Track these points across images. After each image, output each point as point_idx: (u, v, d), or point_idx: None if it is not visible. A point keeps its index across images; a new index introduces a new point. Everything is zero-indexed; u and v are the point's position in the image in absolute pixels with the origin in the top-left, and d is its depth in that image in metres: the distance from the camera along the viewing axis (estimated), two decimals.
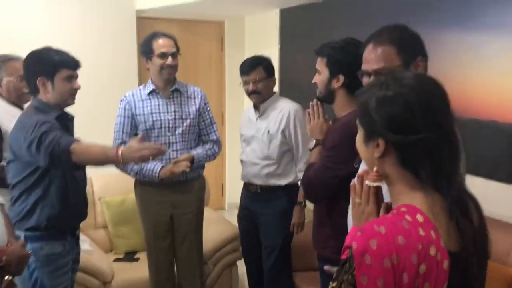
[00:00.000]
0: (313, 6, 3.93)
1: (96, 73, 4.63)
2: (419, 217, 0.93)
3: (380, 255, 0.88)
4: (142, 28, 4.84)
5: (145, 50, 2.65)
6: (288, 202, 2.59)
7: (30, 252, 1.77)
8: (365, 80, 1.54)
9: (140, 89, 2.74)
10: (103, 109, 4.66)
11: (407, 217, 0.93)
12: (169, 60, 2.61)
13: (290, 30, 4.35)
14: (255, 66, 2.59)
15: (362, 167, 1.65)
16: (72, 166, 1.91)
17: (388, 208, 1.04)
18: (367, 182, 1.05)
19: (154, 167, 2.55)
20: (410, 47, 1.48)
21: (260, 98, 2.62)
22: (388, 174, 1.01)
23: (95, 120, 4.62)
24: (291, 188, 2.60)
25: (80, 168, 2.04)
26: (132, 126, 2.71)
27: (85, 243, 2.92)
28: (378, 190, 1.07)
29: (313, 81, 2.04)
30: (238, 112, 5.33)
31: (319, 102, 1.99)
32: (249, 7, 4.57)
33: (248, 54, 5.17)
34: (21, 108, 2.34)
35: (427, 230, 0.91)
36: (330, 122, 2.02)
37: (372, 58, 1.50)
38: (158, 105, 2.66)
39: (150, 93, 2.68)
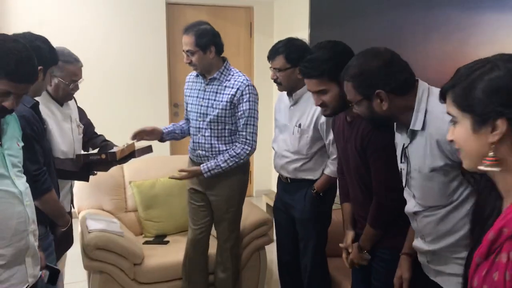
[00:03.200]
0: None
1: (127, 60, 4.68)
2: None
3: None
4: (172, 14, 4.86)
5: None
6: (318, 193, 2.47)
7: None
8: None
9: None
10: (133, 95, 4.72)
11: None
12: (185, 57, 2.60)
13: (320, 15, 4.27)
14: (275, 54, 2.42)
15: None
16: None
17: None
18: (481, 168, 0.98)
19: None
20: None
21: (282, 88, 2.49)
22: (505, 160, 0.96)
23: (125, 107, 4.69)
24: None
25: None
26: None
27: (115, 225, 2.97)
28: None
29: (316, 104, 2.01)
30: (267, 98, 5.31)
31: None
32: None
33: (277, 39, 5.13)
34: (60, 104, 2.40)
35: None
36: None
37: None
38: (198, 90, 2.68)
39: (197, 75, 2.71)
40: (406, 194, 1.72)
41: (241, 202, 2.81)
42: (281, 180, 2.63)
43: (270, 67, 2.47)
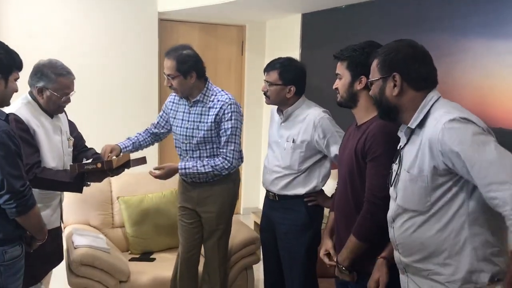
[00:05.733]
0: (336, 11, 3.91)
1: (119, 75, 4.67)
2: None
3: None
4: (164, 30, 4.88)
5: None
6: (307, 212, 2.48)
7: None
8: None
9: None
10: (124, 110, 4.71)
11: None
12: (166, 80, 2.62)
13: (312, 35, 4.33)
14: (271, 68, 2.48)
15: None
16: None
17: None
18: None
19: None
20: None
21: (269, 101, 2.53)
22: None
23: (115, 121, 4.66)
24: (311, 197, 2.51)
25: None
26: (165, 121, 2.86)
27: (101, 241, 2.93)
28: None
29: (334, 86, 2.02)
30: (257, 116, 5.34)
31: None
32: (270, 12, 4.57)
33: (268, 58, 5.17)
34: (51, 115, 2.37)
35: None
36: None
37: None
38: (183, 112, 2.71)
39: (182, 97, 2.72)
40: (390, 195, 1.73)
41: (231, 218, 2.81)
42: (268, 198, 2.63)
43: (264, 79, 2.52)
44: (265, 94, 2.51)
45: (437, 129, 1.50)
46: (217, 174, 2.63)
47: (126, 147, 2.77)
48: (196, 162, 2.62)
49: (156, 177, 2.63)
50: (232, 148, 2.62)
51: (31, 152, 2.21)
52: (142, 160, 2.67)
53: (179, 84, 2.57)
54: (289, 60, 2.50)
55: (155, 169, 2.64)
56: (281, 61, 2.48)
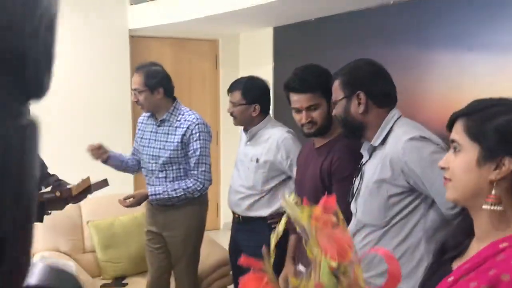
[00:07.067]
0: (306, 24, 3.91)
1: (90, 93, 4.60)
2: None
3: None
4: (136, 47, 4.82)
5: None
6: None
7: None
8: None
9: None
10: (95, 128, 4.63)
11: None
12: (133, 95, 2.63)
13: (284, 48, 4.32)
14: (233, 89, 2.48)
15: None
16: None
17: None
18: (484, 207, 0.97)
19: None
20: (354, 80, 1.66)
21: (236, 122, 2.53)
22: (503, 199, 0.96)
23: (87, 141, 4.58)
24: (275, 219, 2.48)
25: None
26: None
27: (71, 268, 2.84)
28: None
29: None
30: (233, 131, 5.27)
31: None
32: (243, 25, 4.55)
33: (242, 71, 5.16)
34: None
35: None
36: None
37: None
38: (150, 132, 2.68)
39: (150, 116, 2.70)
40: (351, 209, 1.71)
41: (199, 242, 2.74)
42: (234, 219, 2.59)
43: (229, 100, 2.51)
44: (231, 115, 2.50)
45: (397, 148, 1.52)
46: (189, 196, 2.58)
47: (114, 157, 2.73)
48: (167, 186, 2.57)
49: (128, 206, 2.58)
50: (203, 169, 2.59)
51: None
52: (104, 183, 2.60)
53: (145, 99, 2.57)
54: (251, 79, 2.51)
55: (126, 198, 2.57)
56: (243, 80, 2.50)
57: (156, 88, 2.55)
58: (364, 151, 1.70)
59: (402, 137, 1.53)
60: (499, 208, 0.95)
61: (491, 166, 0.96)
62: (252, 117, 2.45)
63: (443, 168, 1.05)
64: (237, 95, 2.45)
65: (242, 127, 2.60)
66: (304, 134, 2.02)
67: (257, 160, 2.42)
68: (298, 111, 1.97)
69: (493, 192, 0.96)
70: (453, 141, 1.04)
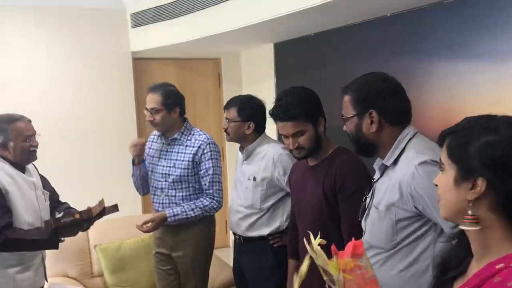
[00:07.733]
0: (306, 39, 3.92)
1: (94, 116, 4.63)
2: None
3: None
4: (139, 69, 4.87)
5: None
6: (273, 253, 2.42)
7: None
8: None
9: None
10: (102, 151, 4.65)
11: None
12: (148, 115, 2.62)
13: (285, 63, 4.34)
14: (230, 106, 2.51)
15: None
16: None
17: None
18: (461, 227, 0.97)
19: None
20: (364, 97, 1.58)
21: (229, 138, 2.55)
22: (483, 219, 0.95)
23: (93, 164, 4.60)
24: (276, 238, 2.45)
25: None
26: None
27: None
28: None
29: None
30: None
31: None
32: (243, 43, 4.58)
33: (245, 88, 5.18)
34: (23, 170, 2.30)
35: None
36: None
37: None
38: (160, 150, 2.70)
39: (160, 135, 2.72)
40: (362, 227, 1.68)
41: (208, 262, 2.73)
42: (235, 240, 2.59)
43: (225, 117, 2.55)
44: (225, 131, 2.53)
45: (408, 171, 1.46)
46: (206, 215, 2.60)
47: (144, 165, 2.73)
48: (184, 206, 2.57)
49: (147, 231, 2.58)
50: (217, 187, 2.62)
51: (1, 214, 2.14)
52: (115, 208, 2.60)
53: (162, 118, 2.58)
54: (248, 97, 2.54)
55: (144, 223, 2.55)
56: (240, 98, 2.53)
57: (173, 107, 2.60)
58: (376, 168, 1.65)
59: (413, 160, 1.47)
60: (476, 228, 0.94)
61: (467, 186, 0.95)
62: (245, 135, 2.48)
63: (436, 185, 1.06)
64: (233, 112, 2.48)
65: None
66: (295, 158, 2.03)
67: (254, 179, 2.42)
68: (286, 137, 1.97)
69: (469, 212, 0.95)
70: (440, 159, 1.04)
